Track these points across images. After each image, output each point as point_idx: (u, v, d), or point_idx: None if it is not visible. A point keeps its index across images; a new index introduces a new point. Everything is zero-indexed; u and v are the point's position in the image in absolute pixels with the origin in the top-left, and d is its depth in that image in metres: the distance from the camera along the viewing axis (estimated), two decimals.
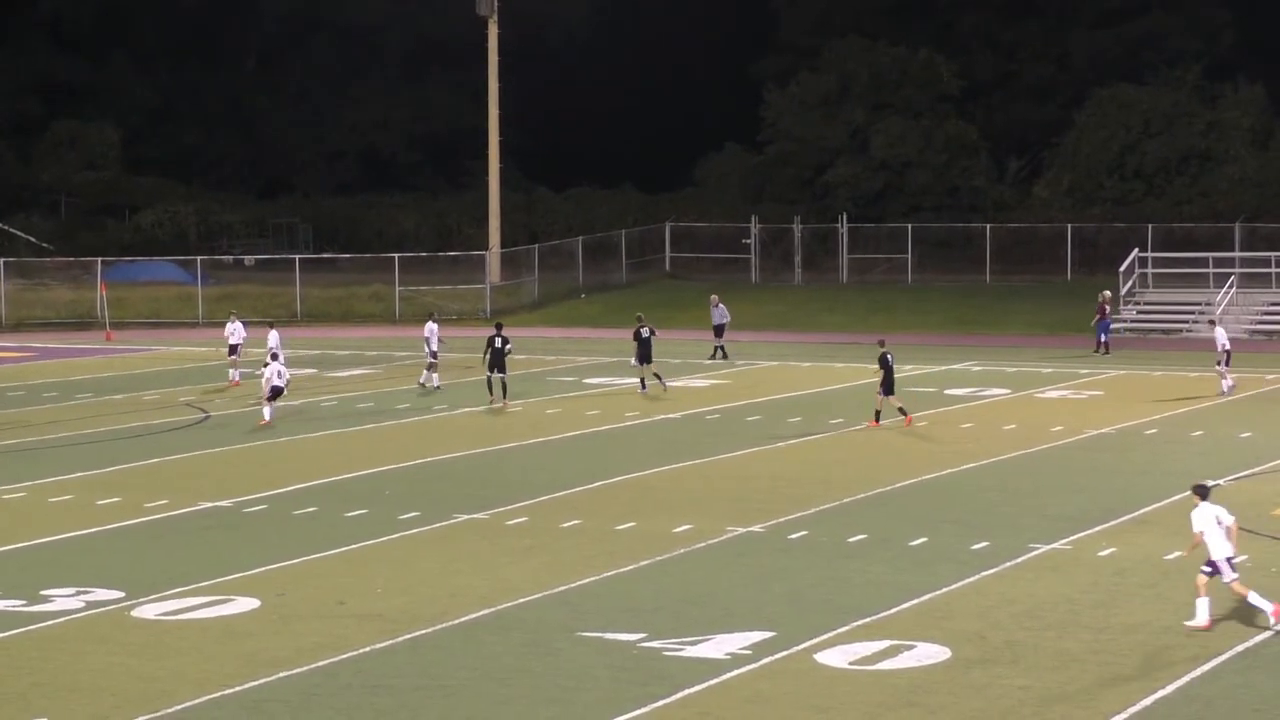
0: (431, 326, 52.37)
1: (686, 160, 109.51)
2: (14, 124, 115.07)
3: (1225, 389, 48.80)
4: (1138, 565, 27.67)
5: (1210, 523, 23.91)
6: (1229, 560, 23.86)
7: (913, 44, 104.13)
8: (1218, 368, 49.44)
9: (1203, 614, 23.81)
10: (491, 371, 48.14)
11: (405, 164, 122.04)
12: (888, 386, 42.99)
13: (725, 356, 58.99)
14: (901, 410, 43.14)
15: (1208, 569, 23.93)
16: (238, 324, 54.01)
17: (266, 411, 44.34)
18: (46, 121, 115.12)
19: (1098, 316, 61.45)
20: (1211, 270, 71.11)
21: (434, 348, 51.70)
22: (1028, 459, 38.44)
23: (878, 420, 42.97)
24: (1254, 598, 23.95)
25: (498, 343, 48.22)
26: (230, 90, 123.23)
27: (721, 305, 60.65)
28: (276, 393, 44.68)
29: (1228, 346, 49.37)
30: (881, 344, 44.04)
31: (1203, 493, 24.28)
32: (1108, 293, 63.21)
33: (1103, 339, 61.17)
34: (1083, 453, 39.30)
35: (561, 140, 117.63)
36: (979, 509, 32.63)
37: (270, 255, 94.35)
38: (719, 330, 59.85)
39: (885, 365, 42.90)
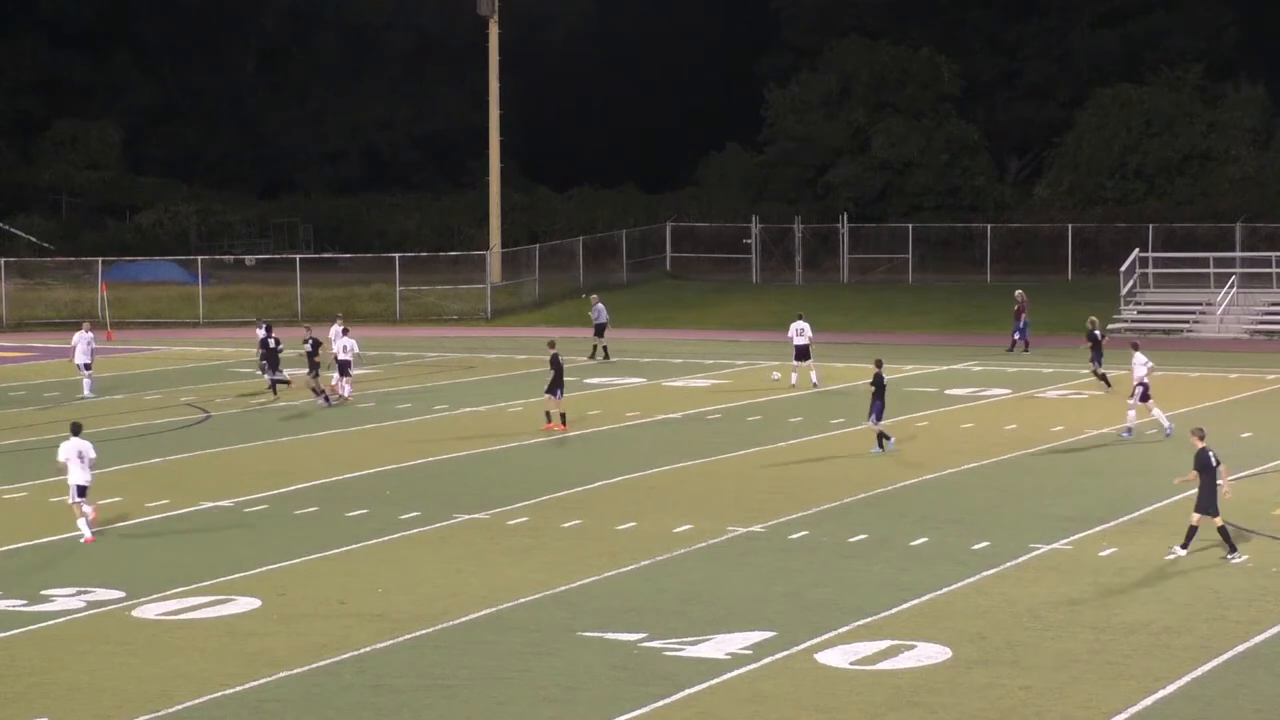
0: (260, 332, 52.44)
1: (687, 160, 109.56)
2: (15, 123, 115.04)
3: (805, 380, 50.69)
4: (1138, 565, 27.67)
5: (73, 454, 29.55)
6: (80, 488, 29.62)
7: (914, 44, 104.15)
8: (794, 364, 51.02)
9: (84, 531, 29.67)
10: (273, 372, 49.48)
11: (406, 163, 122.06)
12: (556, 388, 42.74)
13: (607, 356, 58.85)
14: (561, 416, 42.75)
15: (74, 498, 29.82)
16: (339, 330, 50.77)
17: (346, 387, 48.79)
18: (48, 121, 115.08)
19: (1018, 316, 61.50)
20: (1212, 270, 71.08)
21: (273, 346, 51.96)
22: (1028, 459, 38.43)
23: (563, 422, 42.69)
24: (81, 524, 29.59)
25: (271, 343, 49.62)
26: (231, 90, 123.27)
27: (600, 305, 60.73)
28: (344, 367, 48.73)
29: (800, 343, 50.76)
30: (551, 345, 43.95)
31: (76, 430, 30.15)
32: (1021, 292, 63.20)
33: (1016, 337, 61.32)
34: (1083, 453, 39.30)
35: (562, 140, 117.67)
36: (979, 509, 32.63)
37: (271, 255, 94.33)
38: (599, 330, 59.79)
39: (556, 366, 42.73)
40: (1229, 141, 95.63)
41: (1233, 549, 27.81)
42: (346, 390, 49.15)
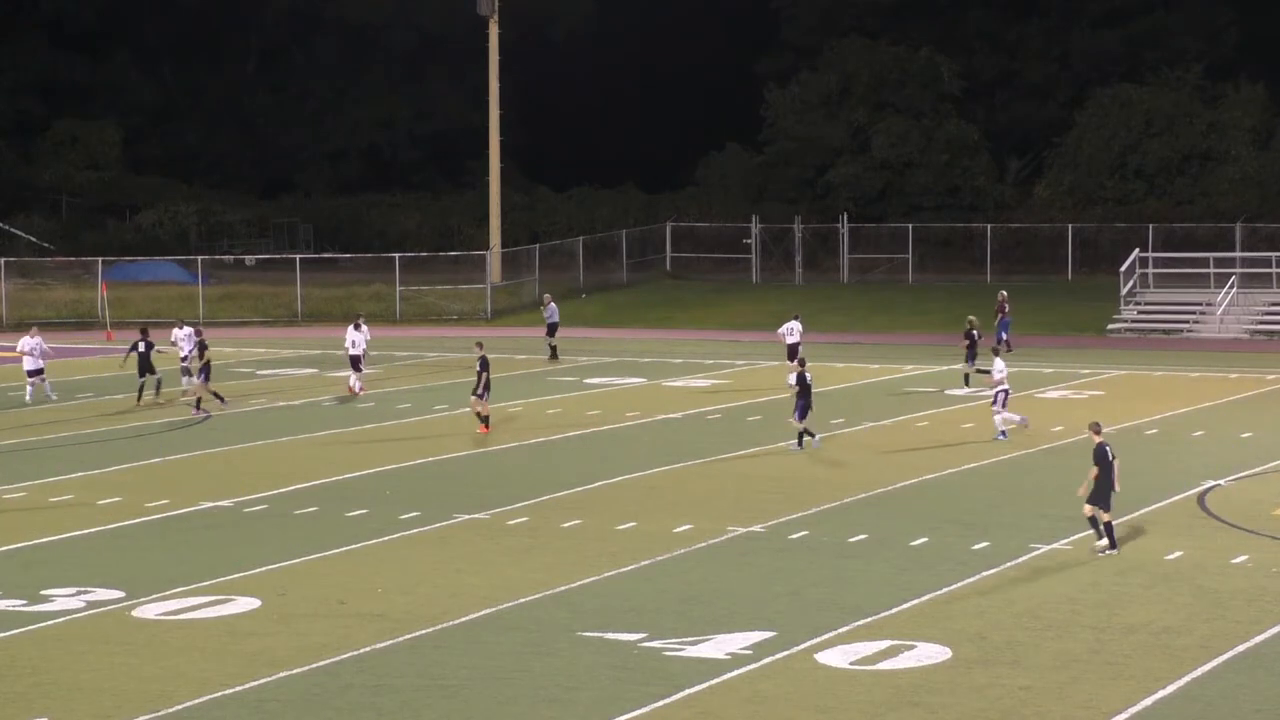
0: (178, 333, 51.48)
1: (688, 160, 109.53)
2: (15, 124, 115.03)
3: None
4: (1138, 565, 27.68)
5: None
6: None
7: (914, 43, 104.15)
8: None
9: None
10: (142, 375, 48.62)
11: (406, 163, 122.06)
12: (484, 390, 42.45)
13: (554, 357, 59.14)
14: (485, 419, 42.38)
15: None
16: (359, 333, 50.75)
17: (354, 381, 50.14)
18: (48, 121, 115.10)
19: (999, 315, 61.53)
20: (1212, 270, 71.08)
21: (185, 353, 50.72)
22: (1028, 459, 38.43)
23: (486, 424, 42.38)
24: None
25: (141, 347, 48.79)
26: (231, 89, 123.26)
27: (554, 305, 61.14)
28: (354, 362, 50.00)
29: (792, 341, 51.62)
30: (479, 345, 43.83)
31: None
32: (1004, 292, 63.18)
33: (1003, 337, 61.32)
34: (1083, 453, 39.19)
35: (562, 140, 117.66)
36: (979, 509, 32.64)
37: (271, 255, 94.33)
38: (551, 329, 60.06)
39: (484, 368, 42.48)
40: (1229, 141, 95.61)
41: (1112, 545, 28.44)
42: (355, 385, 49.97)
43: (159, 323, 74.89)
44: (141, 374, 48.85)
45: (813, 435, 39.58)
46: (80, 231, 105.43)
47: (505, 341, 66.13)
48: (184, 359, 50.74)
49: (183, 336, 51.15)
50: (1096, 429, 29.22)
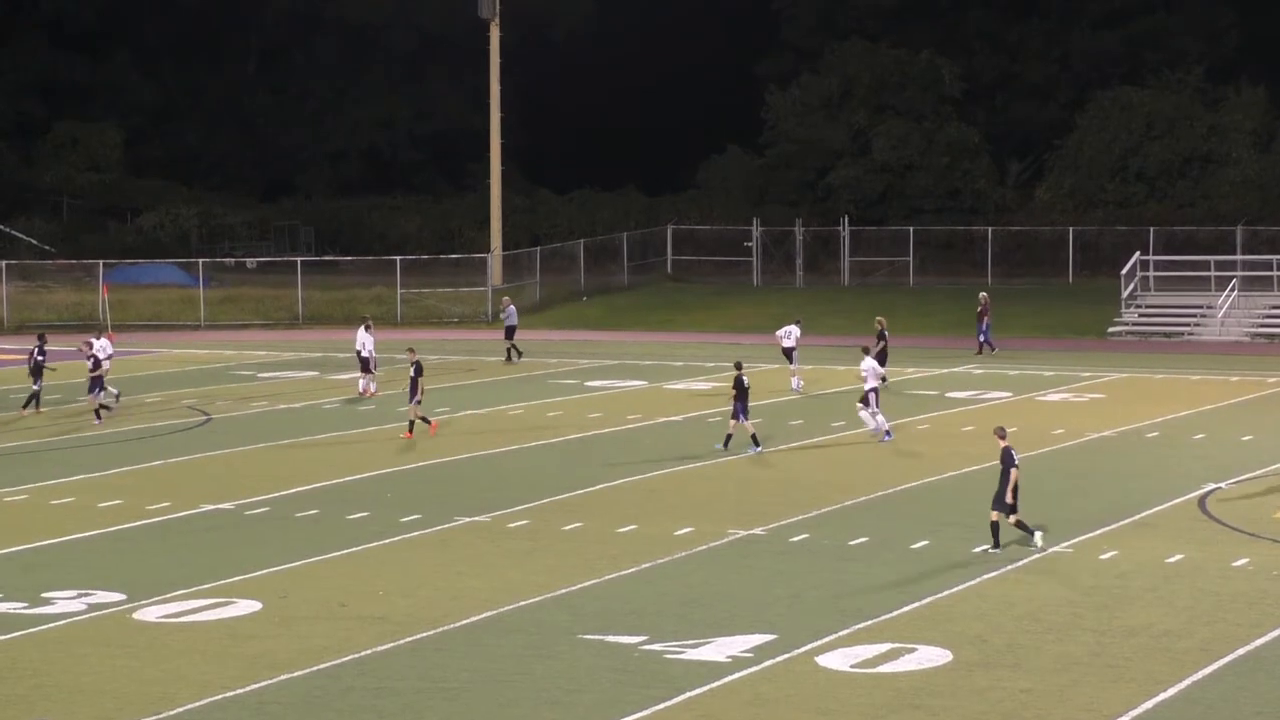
0: (99, 342, 49.14)
1: (688, 163, 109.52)
2: (15, 125, 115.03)
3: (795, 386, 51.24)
4: (1139, 568, 27.68)
5: None
6: None
7: (914, 46, 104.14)
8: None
9: None
10: (34, 381, 47.21)
11: (407, 164, 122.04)
12: (415, 394, 42.44)
13: (519, 356, 59.87)
14: (424, 419, 42.58)
15: None
16: (368, 335, 51.25)
17: (363, 383, 50.71)
18: (48, 123, 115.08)
19: (982, 318, 61.53)
20: (1213, 273, 71.10)
21: (100, 357, 47.92)
22: (1029, 462, 38.28)
23: (427, 422, 42.55)
24: None
25: (38, 356, 47.63)
26: (231, 90, 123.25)
27: (512, 307, 61.91)
28: (365, 364, 50.59)
29: (788, 345, 52.04)
30: (411, 352, 43.92)
31: None
32: (984, 294, 63.15)
33: (982, 340, 61.30)
34: (1084, 455, 39.30)
35: (563, 142, 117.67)
36: (980, 512, 32.57)
37: (272, 258, 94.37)
38: (509, 331, 60.71)
39: (418, 373, 42.55)
40: (1230, 144, 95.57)
41: (996, 545, 28.90)
42: (362, 386, 50.47)
43: (159, 325, 75.04)
44: (36, 378, 47.32)
45: (757, 443, 39.71)
46: (81, 234, 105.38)
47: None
48: (93, 370, 47.63)
49: (99, 346, 48.45)
50: (1001, 434, 29.51)
